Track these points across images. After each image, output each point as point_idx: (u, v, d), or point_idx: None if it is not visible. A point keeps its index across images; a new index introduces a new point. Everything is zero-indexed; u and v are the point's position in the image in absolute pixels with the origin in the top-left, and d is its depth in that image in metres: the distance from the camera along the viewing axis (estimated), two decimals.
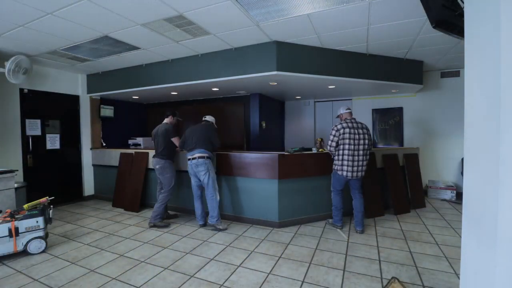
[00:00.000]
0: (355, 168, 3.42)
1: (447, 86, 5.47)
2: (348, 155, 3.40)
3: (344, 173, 3.44)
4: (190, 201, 4.46)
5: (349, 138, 3.39)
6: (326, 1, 2.69)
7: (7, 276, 2.54)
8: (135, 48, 3.97)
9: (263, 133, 5.95)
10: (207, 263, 2.77)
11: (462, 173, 5.12)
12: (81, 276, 2.54)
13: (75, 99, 5.46)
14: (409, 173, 4.69)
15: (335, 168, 3.55)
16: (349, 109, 3.62)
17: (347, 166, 3.42)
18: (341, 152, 3.45)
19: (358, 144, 3.41)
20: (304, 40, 3.74)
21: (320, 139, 4.45)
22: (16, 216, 2.99)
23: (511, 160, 0.99)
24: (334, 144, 3.47)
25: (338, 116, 3.73)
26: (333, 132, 3.47)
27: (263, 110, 5.91)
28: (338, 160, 3.49)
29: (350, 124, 3.45)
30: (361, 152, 3.43)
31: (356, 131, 3.43)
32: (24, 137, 4.62)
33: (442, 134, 5.52)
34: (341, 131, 3.42)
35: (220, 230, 3.68)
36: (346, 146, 3.40)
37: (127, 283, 2.41)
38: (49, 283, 2.42)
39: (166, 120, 4.09)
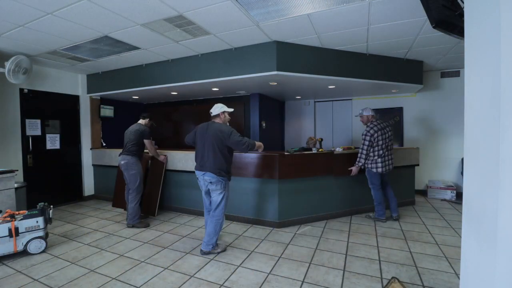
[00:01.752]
0: (386, 163, 3.85)
1: (447, 86, 5.47)
2: (381, 155, 3.80)
3: (379, 169, 3.80)
4: (190, 201, 4.48)
5: (382, 139, 3.79)
6: (326, 1, 2.69)
7: (7, 276, 2.54)
8: (135, 48, 3.97)
9: (263, 133, 5.94)
10: (207, 263, 2.77)
11: (462, 173, 5.12)
12: (81, 276, 2.54)
13: (75, 99, 5.45)
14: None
15: (369, 166, 3.86)
16: (373, 110, 4.01)
17: (381, 163, 3.80)
18: (376, 152, 3.80)
19: (388, 143, 3.86)
20: (304, 40, 3.74)
21: (320, 139, 4.45)
22: (16, 216, 2.99)
23: (511, 160, 0.99)
24: (368, 150, 3.81)
25: (360, 116, 4.03)
26: (368, 138, 3.78)
27: (263, 110, 5.91)
28: (373, 158, 3.82)
29: (379, 126, 3.83)
30: (389, 147, 3.89)
31: (384, 130, 3.84)
32: (24, 137, 4.62)
33: (442, 134, 5.52)
34: (375, 135, 3.77)
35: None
36: (380, 147, 3.79)
37: (127, 283, 2.41)
38: (49, 283, 2.42)
39: (142, 121, 4.09)
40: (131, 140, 3.86)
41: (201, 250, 2.98)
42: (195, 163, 3.04)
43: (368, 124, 3.88)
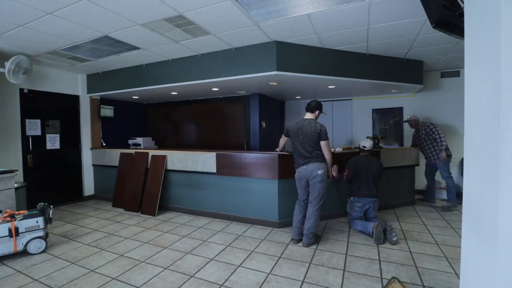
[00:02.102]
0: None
1: (447, 86, 5.47)
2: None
3: (451, 158, 4.67)
4: (190, 201, 4.48)
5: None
6: (326, 1, 2.69)
7: (7, 276, 2.54)
8: (135, 48, 3.97)
9: (263, 133, 5.95)
10: (207, 263, 2.78)
11: (462, 173, 5.12)
12: (81, 276, 2.54)
13: (75, 99, 5.46)
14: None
15: (445, 156, 4.50)
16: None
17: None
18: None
19: None
20: (304, 40, 3.74)
21: None
22: (16, 216, 2.99)
23: (511, 160, 0.99)
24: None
25: (408, 121, 4.97)
26: (440, 131, 4.59)
27: (263, 110, 5.91)
28: (448, 150, 4.56)
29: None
30: None
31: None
32: (24, 137, 4.62)
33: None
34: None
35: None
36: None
37: (127, 283, 2.41)
38: (49, 283, 2.42)
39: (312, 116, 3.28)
40: (314, 143, 3.12)
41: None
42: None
43: (428, 124, 4.69)
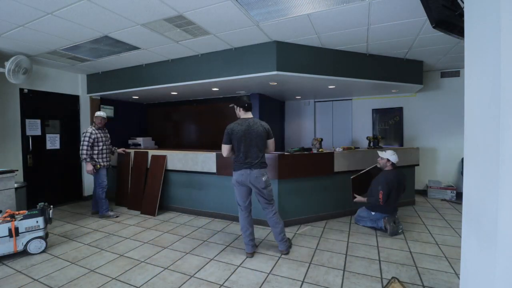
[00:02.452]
0: None
1: (447, 86, 5.47)
2: None
3: None
4: (190, 201, 4.48)
5: None
6: (326, 1, 2.69)
7: (7, 276, 2.54)
8: (135, 48, 3.97)
9: None
10: (207, 263, 2.77)
11: (462, 173, 5.12)
12: (81, 276, 2.54)
13: (75, 99, 5.45)
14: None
15: None
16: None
17: None
18: None
19: None
20: (304, 40, 3.74)
21: (320, 139, 4.45)
22: (16, 216, 2.99)
23: (511, 160, 0.99)
24: None
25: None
26: None
27: (263, 110, 5.91)
28: None
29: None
30: None
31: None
32: (24, 137, 4.62)
33: (442, 134, 5.52)
34: None
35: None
36: None
37: (127, 283, 2.41)
38: (49, 283, 2.42)
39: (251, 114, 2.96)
40: (259, 145, 2.83)
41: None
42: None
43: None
